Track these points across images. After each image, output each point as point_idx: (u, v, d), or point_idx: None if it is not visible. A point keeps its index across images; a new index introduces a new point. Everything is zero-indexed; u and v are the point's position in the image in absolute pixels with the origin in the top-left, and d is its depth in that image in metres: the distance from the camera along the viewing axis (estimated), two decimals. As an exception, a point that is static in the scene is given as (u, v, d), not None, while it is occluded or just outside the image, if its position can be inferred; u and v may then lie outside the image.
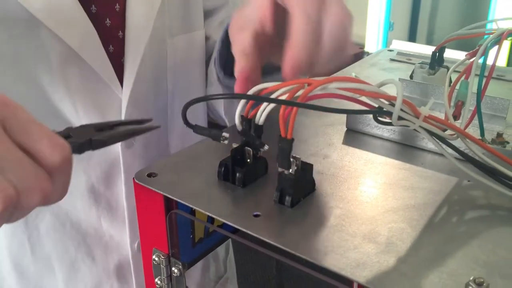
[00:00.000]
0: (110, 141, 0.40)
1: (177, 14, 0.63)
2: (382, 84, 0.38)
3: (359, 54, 2.19)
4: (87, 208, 0.61)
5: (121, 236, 0.63)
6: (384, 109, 0.38)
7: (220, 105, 0.67)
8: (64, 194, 0.35)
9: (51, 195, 0.33)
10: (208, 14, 0.68)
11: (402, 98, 0.37)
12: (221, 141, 0.41)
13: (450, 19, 2.25)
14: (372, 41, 2.22)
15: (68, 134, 0.38)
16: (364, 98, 0.38)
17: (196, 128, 0.42)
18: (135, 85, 0.58)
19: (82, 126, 0.39)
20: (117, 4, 0.56)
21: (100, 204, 0.62)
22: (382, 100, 0.38)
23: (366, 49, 2.23)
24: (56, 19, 0.51)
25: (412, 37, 2.27)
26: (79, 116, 0.57)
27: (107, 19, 0.56)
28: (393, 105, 0.37)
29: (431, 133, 0.40)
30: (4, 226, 0.32)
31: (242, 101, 0.43)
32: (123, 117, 0.59)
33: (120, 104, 0.58)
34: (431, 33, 2.27)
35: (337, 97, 0.38)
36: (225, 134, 0.41)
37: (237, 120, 0.42)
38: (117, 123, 0.41)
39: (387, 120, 0.39)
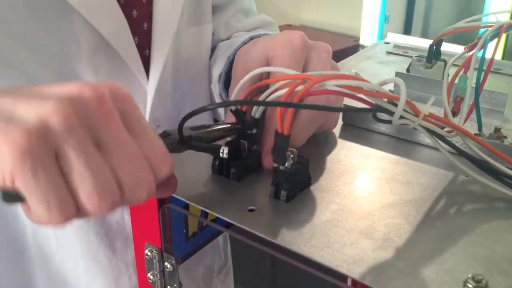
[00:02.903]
0: (208, 137, 0.40)
1: (190, 6, 0.62)
2: (384, 83, 0.37)
3: (354, 47, 2.18)
4: None
5: None
6: (384, 107, 0.37)
7: (222, 113, 0.67)
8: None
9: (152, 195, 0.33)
10: (214, 10, 0.68)
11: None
12: (221, 156, 0.41)
13: (445, 13, 2.24)
14: (367, 34, 2.21)
15: (168, 134, 0.38)
16: (362, 95, 0.38)
17: (194, 147, 0.40)
18: (161, 77, 0.58)
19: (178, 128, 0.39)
20: None
21: None
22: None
23: (361, 42, 2.22)
24: (89, 6, 0.50)
25: (407, 30, 2.26)
26: None
27: (134, 10, 0.55)
28: (392, 103, 0.36)
29: (430, 131, 0.39)
30: None
31: (236, 92, 0.42)
32: (148, 110, 0.58)
33: (145, 96, 0.58)
34: (427, 26, 2.27)
35: (336, 94, 0.37)
36: (224, 148, 0.40)
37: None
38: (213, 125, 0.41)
39: (386, 118, 0.38)
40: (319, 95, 0.38)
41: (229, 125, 0.42)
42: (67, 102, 0.29)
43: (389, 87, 0.60)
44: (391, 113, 0.37)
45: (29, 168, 0.28)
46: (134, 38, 0.56)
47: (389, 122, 0.37)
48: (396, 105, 0.36)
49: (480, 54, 0.48)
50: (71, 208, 0.30)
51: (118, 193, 0.31)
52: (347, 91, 0.36)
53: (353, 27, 2.31)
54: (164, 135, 0.38)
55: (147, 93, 0.58)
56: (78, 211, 0.31)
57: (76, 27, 0.51)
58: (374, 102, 0.38)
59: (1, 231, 0.58)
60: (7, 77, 0.50)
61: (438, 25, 2.19)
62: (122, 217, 0.62)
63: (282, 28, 0.67)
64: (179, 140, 0.38)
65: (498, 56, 1.59)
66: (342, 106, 0.48)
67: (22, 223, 0.60)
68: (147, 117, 0.59)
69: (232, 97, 0.43)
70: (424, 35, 2.25)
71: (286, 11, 2.64)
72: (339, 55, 0.66)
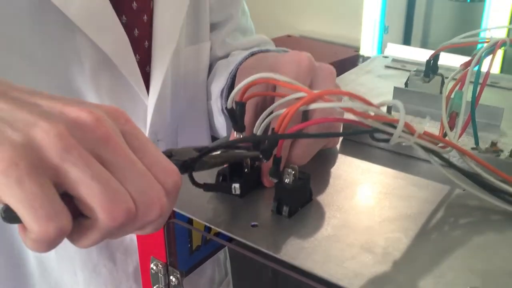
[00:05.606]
0: (212, 163, 0.39)
1: (188, 24, 0.65)
2: (383, 104, 0.39)
3: (354, 58, 2.20)
4: None
5: None
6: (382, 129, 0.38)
7: (222, 128, 0.68)
8: (163, 222, 0.34)
9: (165, 215, 0.32)
10: (211, 27, 0.70)
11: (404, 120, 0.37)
12: (233, 193, 0.42)
13: (444, 23, 2.26)
14: (367, 44, 2.22)
15: (170, 153, 0.37)
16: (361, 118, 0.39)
17: (205, 187, 0.42)
18: (160, 92, 0.60)
19: (182, 148, 0.39)
20: (145, 15, 0.58)
21: None
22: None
23: (361, 52, 2.24)
24: (93, 25, 0.52)
25: (407, 41, 2.28)
26: None
27: (136, 30, 0.57)
28: (389, 124, 0.38)
29: (426, 148, 0.40)
30: None
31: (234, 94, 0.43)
32: (148, 124, 0.60)
33: (145, 111, 0.60)
34: (426, 37, 2.28)
35: (336, 121, 0.38)
36: (236, 185, 0.42)
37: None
38: (216, 146, 0.40)
39: (383, 137, 0.39)
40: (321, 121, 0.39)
41: (238, 152, 0.41)
42: (61, 125, 0.28)
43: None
44: (389, 134, 0.38)
45: (14, 179, 0.26)
46: (135, 55, 0.58)
47: (386, 141, 0.38)
48: (392, 125, 0.38)
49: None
50: (62, 218, 0.28)
51: (131, 201, 0.30)
52: (346, 116, 0.38)
53: (353, 38, 2.32)
54: (168, 154, 0.37)
55: (148, 108, 0.60)
56: (78, 226, 0.30)
57: (79, 44, 0.53)
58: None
59: (0, 246, 0.59)
60: None
61: (437, 35, 2.21)
62: None
63: (281, 38, 0.69)
64: (181, 165, 0.37)
65: (496, 70, 1.60)
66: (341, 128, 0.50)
67: None
68: (147, 131, 0.60)
69: (230, 100, 0.43)
70: (423, 45, 2.26)
71: (286, 21, 2.66)
72: (339, 65, 0.67)
